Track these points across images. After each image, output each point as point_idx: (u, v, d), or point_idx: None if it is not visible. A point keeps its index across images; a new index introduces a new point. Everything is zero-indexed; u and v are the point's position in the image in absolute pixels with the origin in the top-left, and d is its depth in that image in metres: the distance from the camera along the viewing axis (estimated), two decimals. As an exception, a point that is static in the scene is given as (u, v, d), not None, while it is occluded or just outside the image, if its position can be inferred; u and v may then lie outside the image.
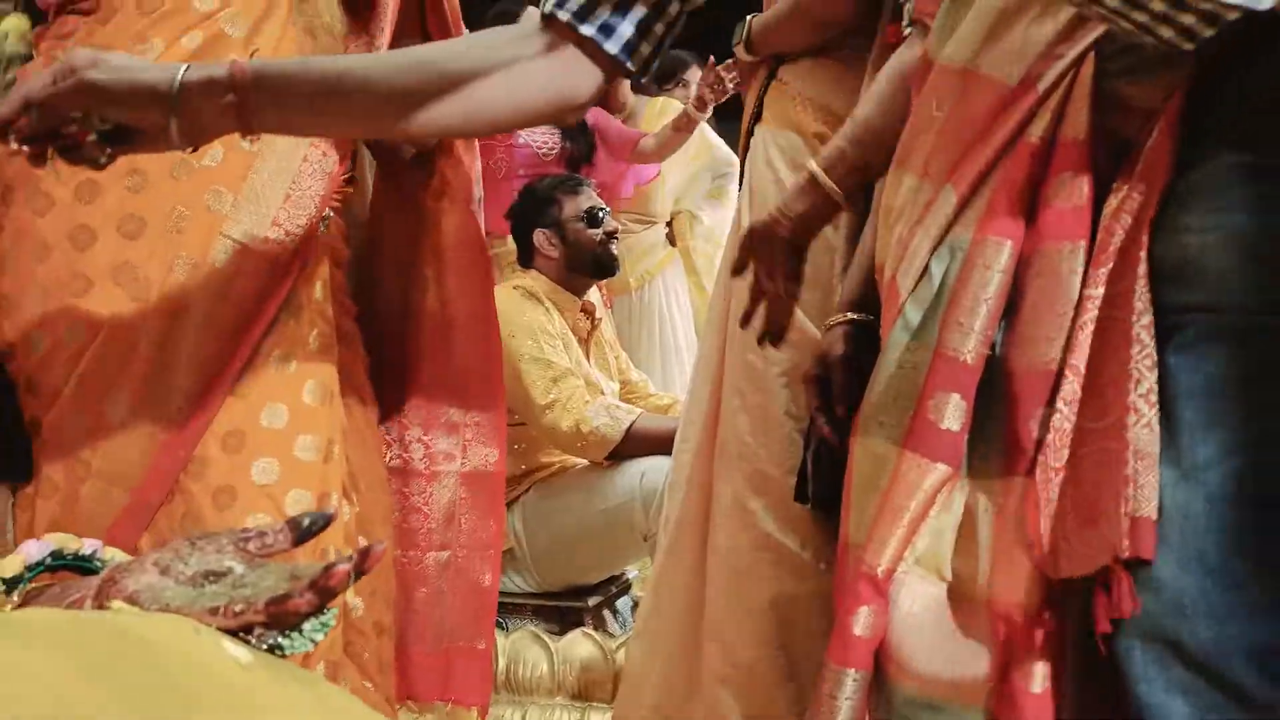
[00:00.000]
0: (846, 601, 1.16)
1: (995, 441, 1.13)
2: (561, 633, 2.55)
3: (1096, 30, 1.14)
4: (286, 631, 0.78)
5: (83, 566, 0.90)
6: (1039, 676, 1.04)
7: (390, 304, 1.75)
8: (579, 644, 2.42)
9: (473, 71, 1.23)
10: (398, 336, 1.74)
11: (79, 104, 1.19)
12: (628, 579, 2.99)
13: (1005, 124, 1.17)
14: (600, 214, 3.02)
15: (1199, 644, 0.96)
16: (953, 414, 1.13)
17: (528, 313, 2.79)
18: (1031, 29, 1.19)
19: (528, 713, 2.40)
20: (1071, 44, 1.15)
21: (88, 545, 0.91)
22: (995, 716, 1.08)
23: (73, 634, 0.64)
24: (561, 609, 2.76)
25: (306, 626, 0.78)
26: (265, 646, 0.77)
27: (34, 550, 0.88)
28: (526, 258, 3.04)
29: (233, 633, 0.76)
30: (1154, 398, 0.99)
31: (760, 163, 1.86)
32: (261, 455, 1.43)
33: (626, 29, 1.23)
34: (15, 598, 0.85)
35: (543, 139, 3.79)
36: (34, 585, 0.87)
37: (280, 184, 1.48)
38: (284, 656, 0.77)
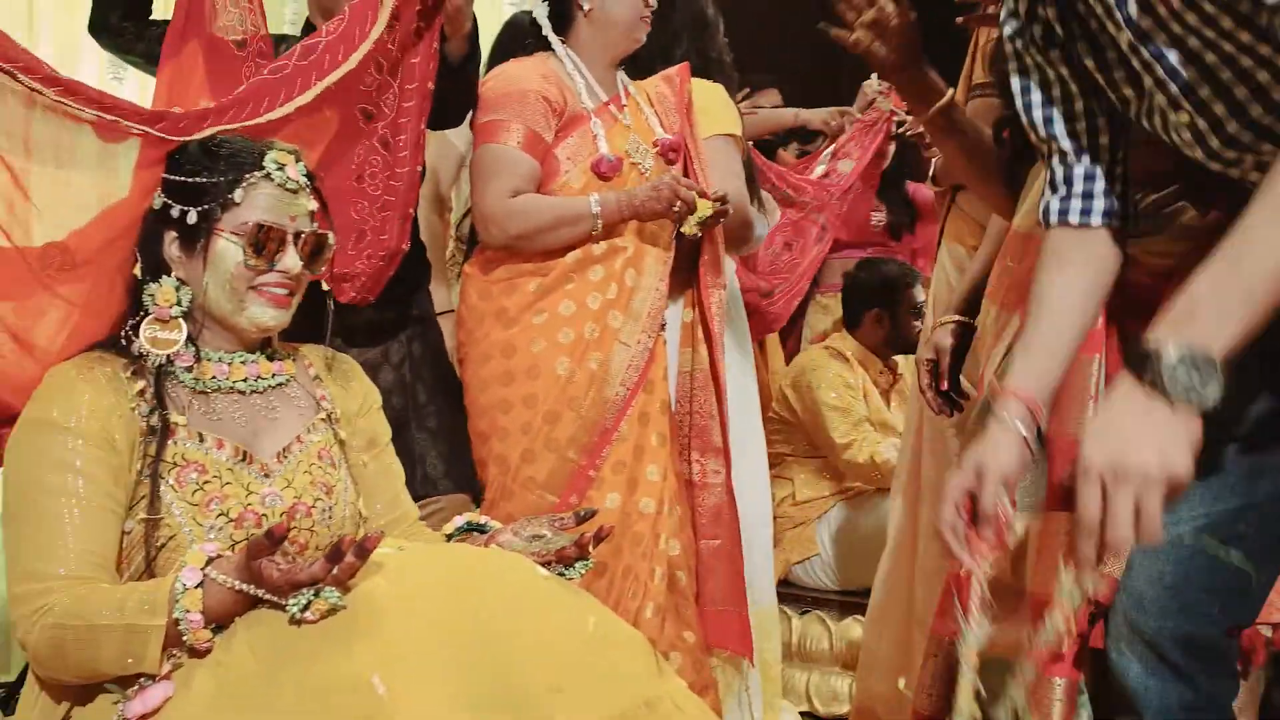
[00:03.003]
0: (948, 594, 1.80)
1: (1040, 487, 1.73)
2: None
3: None
4: (566, 566, 1.59)
5: (479, 529, 1.75)
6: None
7: None
8: (852, 627, 3.12)
9: None
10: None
11: None
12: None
13: None
14: (922, 309, 3.59)
15: (1148, 630, 1.52)
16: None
17: (832, 368, 3.49)
18: None
19: (812, 675, 3.13)
20: None
21: (482, 519, 1.76)
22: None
23: (488, 555, 1.51)
24: (855, 604, 3.32)
25: (577, 564, 1.60)
26: (557, 572, 1.58)
27: (459, 520, 1.75)
28: (854, 322, 3.66)
29: (543, 564, 1.58)
30: None
31: (940, 270, 2.45)
32: (630, 476, 2.29)
33: None
34: (454, 541, 1.71)
35: (875, 213, 4.16)
36: (459, 539, 1.74)
37: (645, 307, 2.33)
38: (564, 577, 1.58)
